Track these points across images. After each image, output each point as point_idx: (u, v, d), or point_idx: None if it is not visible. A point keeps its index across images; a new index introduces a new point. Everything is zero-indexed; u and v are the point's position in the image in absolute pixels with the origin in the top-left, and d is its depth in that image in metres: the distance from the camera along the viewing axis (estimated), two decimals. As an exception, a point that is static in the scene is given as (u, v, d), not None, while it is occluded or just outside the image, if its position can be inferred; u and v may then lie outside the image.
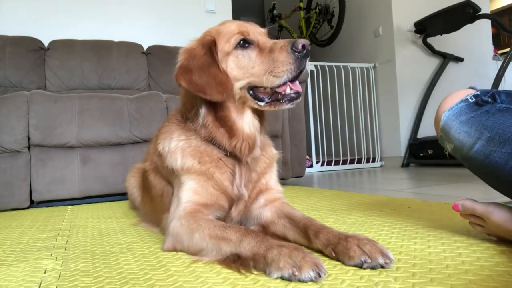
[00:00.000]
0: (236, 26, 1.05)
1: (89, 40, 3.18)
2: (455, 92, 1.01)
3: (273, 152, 1.22)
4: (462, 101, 0.95)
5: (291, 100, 1.00)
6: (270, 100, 1.02)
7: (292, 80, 0.98)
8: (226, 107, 1.04)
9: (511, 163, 0.81)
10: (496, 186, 0.92)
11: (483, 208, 0.91)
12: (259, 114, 1.10)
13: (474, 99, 0.94)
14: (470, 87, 0.99)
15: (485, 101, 0.92)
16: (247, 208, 1.14)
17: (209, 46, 1.04)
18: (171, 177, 1.16)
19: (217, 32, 1.06)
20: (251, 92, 1.03)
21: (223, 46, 1.03)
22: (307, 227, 0.96)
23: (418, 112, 4.28)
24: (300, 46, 0.95)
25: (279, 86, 0.98)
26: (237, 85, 1.02)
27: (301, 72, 0.97)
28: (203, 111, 1.06)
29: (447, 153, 1.02)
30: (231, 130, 1.05)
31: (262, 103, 1.02)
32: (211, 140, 1.07)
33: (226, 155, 1.08)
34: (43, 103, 2.23)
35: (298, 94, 1.00)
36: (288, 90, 0.99)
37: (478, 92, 0.95)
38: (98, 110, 2.33)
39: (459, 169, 3.28)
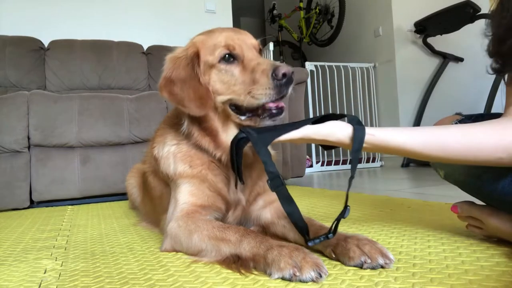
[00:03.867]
0: (224, 38, 1.01)
1: (89, 40, 3.18)
2: (441, 118, 1.05)
3: None
4: None
5: (272, 116, 0.95)
6: (251, 114, 0.98)
7: (273, 102, 0.93)
8: (209, 118, 1.03)
9: (502, 182, 0.83)
10: (491, 205, 0.94)
11: (480, 211, 0.93)
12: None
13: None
14: (457, 113, 1.04)
15: None
16: (246, 211, 1.13)
17: (192, 58, 1.02)
18: (168, 180, 1.16)
19: (202, 43, 1.03)
20: (233, 107, 1.01)
21: (207, 58, 1.01)
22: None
23: (418, 112, 4.28)
24: (280, 75, 0.89)
25: (258, 107, 0.94)
26: (219, 99, 1.00)
27: (283, 97, 0.92)
28: (186, 121, 1.06)
29: (442, 179, 1.05)
30: (216, 140, 1.04)
31: (243, 117, 0.99)
32: (200, 146, 1.06)
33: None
34: (43, 103, 2.23)
35: (280, 110, 0.94)
36: (270, 104, 0.93)
37: (463, 117, 0.99)
38: (98, 110, 2.33)
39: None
